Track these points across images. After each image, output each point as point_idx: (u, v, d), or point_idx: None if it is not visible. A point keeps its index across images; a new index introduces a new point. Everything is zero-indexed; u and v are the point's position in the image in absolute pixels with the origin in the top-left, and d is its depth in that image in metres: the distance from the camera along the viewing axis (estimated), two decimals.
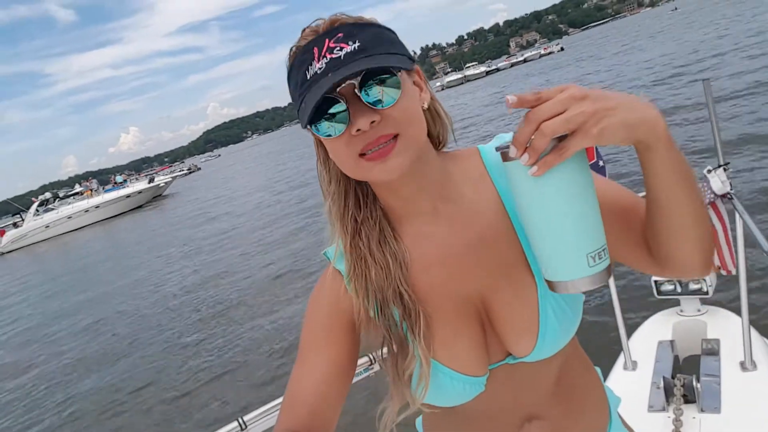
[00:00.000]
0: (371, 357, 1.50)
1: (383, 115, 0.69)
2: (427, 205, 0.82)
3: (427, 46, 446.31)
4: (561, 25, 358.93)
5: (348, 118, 0.69)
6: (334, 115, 0.69)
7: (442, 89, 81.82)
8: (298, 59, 0.72)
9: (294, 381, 0.81)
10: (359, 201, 0.83)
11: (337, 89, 0.69)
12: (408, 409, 0.82)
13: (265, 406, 1.45)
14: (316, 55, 0.69)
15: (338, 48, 0.69)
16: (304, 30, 0.74)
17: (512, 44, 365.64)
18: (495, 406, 0.87)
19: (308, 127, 0.72)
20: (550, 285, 0.66)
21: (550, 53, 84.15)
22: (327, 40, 0.70)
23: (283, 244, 10.89)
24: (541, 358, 0.83)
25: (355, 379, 1.33)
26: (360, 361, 1.43)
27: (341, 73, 0.67)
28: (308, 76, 0.70)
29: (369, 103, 0.68)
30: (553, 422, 0.89)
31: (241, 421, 1.41)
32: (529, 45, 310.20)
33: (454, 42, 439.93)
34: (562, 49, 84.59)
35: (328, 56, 0.69)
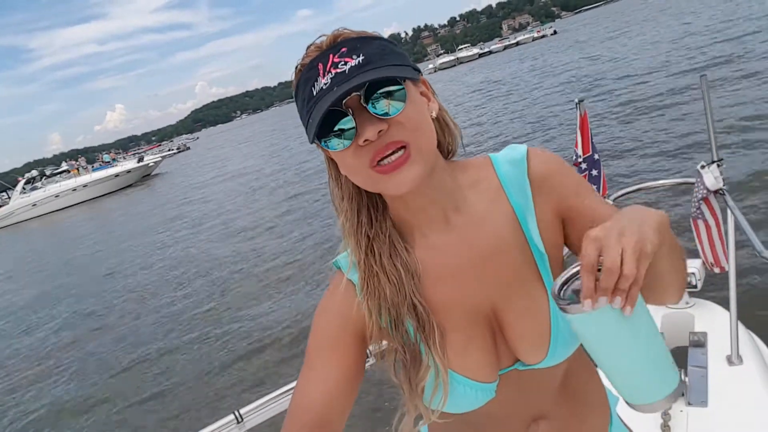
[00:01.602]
0: (368, 351, 1.54)
1: (390, 123, 0.70)
2: (438, 216, 0.82)
3: (418, 27, 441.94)
4: (554, 8, 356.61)
5: (355, 130, 0.70)
6: (341, 128, 0.70)
7: (435, 71, 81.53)
8: (304, 76, 0.73)
9: (301, 387, 0.81)
10: (371, 216, 0.83)
11: (343, 102, 0.69)
12: (422, 419, 0.82)
13: (261, 399, 1.45)
14: (321, 71, 0.70)
15: (343, 62, 0.70)
16: (308, 47, 0.75)
17: (504, 27, 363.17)
18: (503, 409, 0.88)
19: (316, 142, 0.73)
20: (637, 408, 0.66)
21: (543, 36, 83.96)
22: (331, 56, 0.71)
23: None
24: (550, 365, 0.84)
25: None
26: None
27: (343, 87, 0.68)
28: (314, 92, 0.71)
29: (375, 113, 0.69)
30: (560, 422, 0.91)
31: (237, 414, 1.42)
32: (522, 28, 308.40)
33: (446, 23, 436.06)
34: (555, 32, 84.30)
35: (333, 71, 0.70)
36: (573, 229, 0.83)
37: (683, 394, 0.64)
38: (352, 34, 0.74)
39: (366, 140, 0.69)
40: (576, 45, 36.11)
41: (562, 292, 0.64)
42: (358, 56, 0.70)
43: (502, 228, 0.82)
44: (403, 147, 0.71)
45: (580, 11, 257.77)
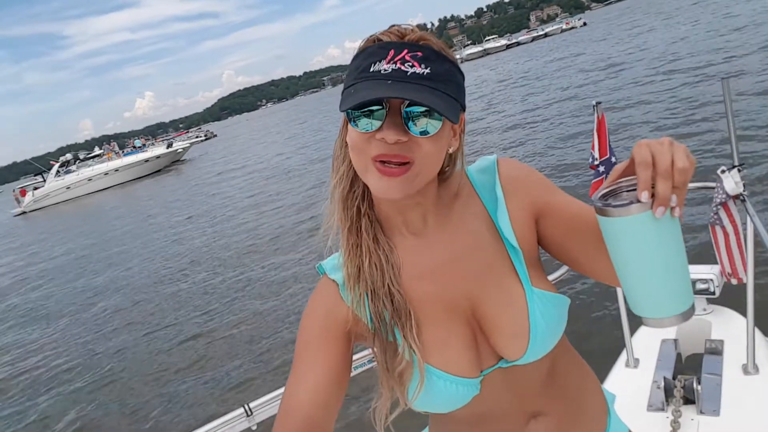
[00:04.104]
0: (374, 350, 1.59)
1: (411, 139, 0.73)
2: (418, 217, 0.85)
3: (444, 17, 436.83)
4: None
5: (382, 123, 0.72)
6: (372, 113, 0.73)
7: (462, 62, 79.86)
8: (372, 49, 0.75)
9: (289, 389, 0.82)
10: (365, 193, 0.85)
11: (384, 99, 0.72)
12: (399, 405, 0.84)
13: (271, 393, 1.46)
14: (389, 57, 0.72)
15: (410, 64, 0.72)
16: (392, 26, 0.77)
17: (532, 18, 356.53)
18: (497, 408, 0.89)
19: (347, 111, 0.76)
20: (653, 322, 0.67)
21: (572, 28, 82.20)
22: (406, 50, 0.73)
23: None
24: (532, 359, 0.85)
25: (359, 371, 1.40)
26: (363, 354, 1.47)
27: (402, 93, 0.70)
28: (371, 69, 0.73)
29: (405, 124, 0.72)
30: (557, 417, 0.92)
31: (247, 407, 1.42)
32: (550, 19, 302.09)
33: (473, 14, 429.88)
34: (584, 24, 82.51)
35: (399, 65, 0.72)
36: (549, 224, 0.86)
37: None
38: (434, 44, 0.76)
39: (383, 138, 0.72)
40: (608, 38, 35.33)
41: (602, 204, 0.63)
42: (426, 68, 0.72)
43: (477, 228, 0.86)
44: (407, 163, 0.74)
45: (610, 2, 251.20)
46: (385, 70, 0.72)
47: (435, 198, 0.86)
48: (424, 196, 0.83)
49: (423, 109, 0.72)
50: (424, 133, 0.73)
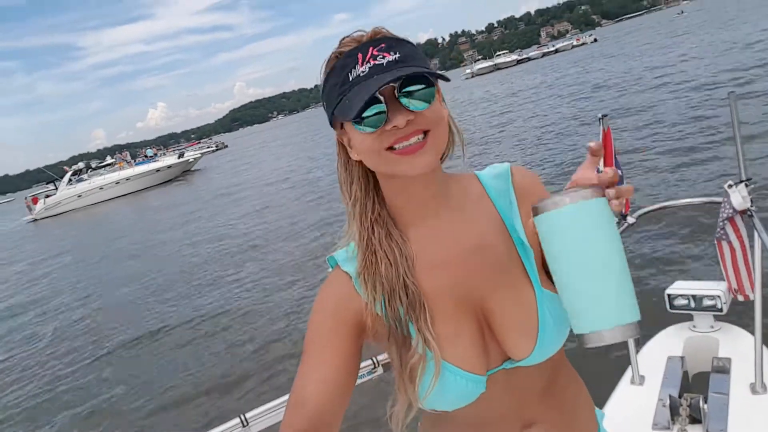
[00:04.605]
0: (374, 361, 1.50)
1: (417, 114, 0.77)
2: (432, 210, 0.87)
3: (456, 33, 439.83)
4: (594, 16, 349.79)
5: (386, 116, 0.76)
6: (374, 112, 0.75)
7: (472, 76, 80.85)
8: (341, 63, 0.78)
9: (299, 380, 0.82)
10: (375, 202, 0.88)
11: (378, 90, 0.74)
12: (414, 409, 0.85)
13: (268, 404, 1.44)
14: (360, 60, 0.76)
15: (381, 56, 0.76)
16: (344, 39, 0.81)
17: (543, 34, 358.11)
18: (494, 413, 0.90)
19: (339, 123, 0.81)
20: (587, 338, 0.65)
21: (582, 44, 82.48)
22: (371, 48, 0.77)
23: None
24: (538, 360, 0.86)
25: (358, 381, 1.34)
26: (363, 364, 1.42)
27: (386, 77, 0.74)
28: (350, 78, 0.76)
29: (405, 105, 0.76)
30: (550, 427, 0.93)
31: (243, 418, 1.40)
32: (561, 35, 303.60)
33: (484, 30, 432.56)
34: (595, 40, 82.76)
35: (372, 62, 0.76)
36: None
37: (637, 339, 0.64)
38: (389, 34, 0.80)
39: (394, 126, 0.76)
40: (620, 54, 35.40)
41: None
42: (395, 53, 0.77)
43: (488, 227, 0.89)
44: (425, 133, 0.78)
45: (620, 20, 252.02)
46: (363, 72, 0.76)
47: (445, 189, 0.89)
48: (438, 183, 0.87)
49: (418, 87, 0.76)
50: (425, 103, 0.77)
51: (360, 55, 0.76)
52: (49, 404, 6.25)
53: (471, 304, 0.87)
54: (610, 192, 0.68)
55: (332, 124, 0.86)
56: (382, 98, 0.75)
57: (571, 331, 0.89)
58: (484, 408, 0.88)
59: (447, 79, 0.80)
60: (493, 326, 0.87)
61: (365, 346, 0.89)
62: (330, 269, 0.92)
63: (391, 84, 0.75)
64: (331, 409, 0.79)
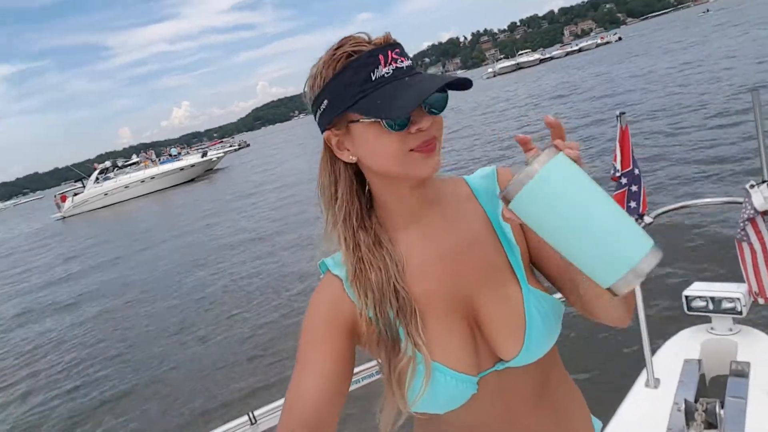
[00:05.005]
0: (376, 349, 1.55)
1: (434, 120, 0.80)
2: (423, 212, 0.89)
3: (477, 31, 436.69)
4: (619, 15, 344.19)
5: (410, 117, 0.77)
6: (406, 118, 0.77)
7: (494, 75, 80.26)
8: (360, 62, 0.78)
9: (294, 383, 0.83)
10: (362, 207, 0.89)
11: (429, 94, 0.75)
12: (404, 415, 0.85)
13: (276, 402, 1.44)
14: (383, 62, 0.78)
15: (400, 60, 0.79)
16: (349, 38, 0.81)
17: (566, 33, 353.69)
18: (486, 419, 0.90)
19: (367, 123, 0.78)
20: (615, 288, 0.63)
21: (607, 43, 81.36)
22: (389, 51, 0.79)
23: None
24: (527, 360, 0.87)
25: (364, 382, 1.41)
26: (370, 365, 1.44)
27: (435, 82, 0.76)
28: (373, 78, 0.77)
29: (426, 111, 0.78)
30: None
31: (251, 415, 1.41)
32: (585, 34, 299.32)
33: (506, 28, 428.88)
34: (620, 38, 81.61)
35: (394, 65, 0.78)
36: (531, 234, 0.87)
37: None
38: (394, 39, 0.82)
39: (419, 129, 0.78)
40: (642, 55, 34.82)
41: None
42: (407, 60, 0.80)
43: (476, 226, 0.91)
44: (434, 139, 0.81)
45: (646, 18, 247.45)
46: (387, 73, 0.77)
47: (436, 192, 0.90)
48: (429, 187, 0.89)
49: (440, 94, 0.79)
50: (442, 109, 0.80)
51: (382, 57, 0.78)
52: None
53: (461, 305, 0.88)
54: (559, 143, 0.67)
55: (329, 123, 0.83)
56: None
57: (560, 335, 0.89)
58: (476, 413, 0.89)
59: (469, 86, 0.80)
60: (482, 326, 0.88)
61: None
62: (322, 274, 0.93)
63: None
64: (326, 411, 0.80)
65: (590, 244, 0.62)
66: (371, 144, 0.80)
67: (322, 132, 0.85)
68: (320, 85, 0.81)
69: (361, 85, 0.77)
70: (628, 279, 0.61)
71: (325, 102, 0.81)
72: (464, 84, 0.79)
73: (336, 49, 0.80)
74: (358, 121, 0.79)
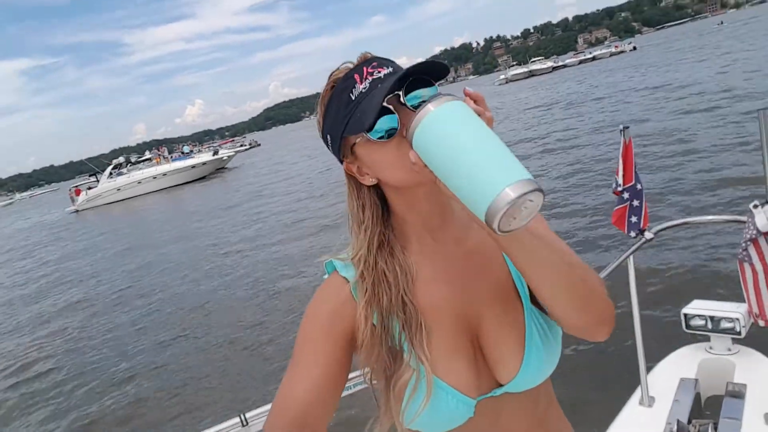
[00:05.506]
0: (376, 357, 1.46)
1: None
2: (436, 223, 0.87)
3: (490, 37, 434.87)
4: (634, 23, 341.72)
5: (398, 124, 0.75)
6: (388, 124, 0.75)
7: (506, 82, 79.97)
8: (339, 87, 0.78)
9: (286, 383, 0.81)
10: (384, 228, 0.87)
11: (384, 101, 0.74)
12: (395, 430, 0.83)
13: (269, 405, 1.40)
14: (359, 80, 0.77)
15: (377, 72, 0.77)
16: (332, 73, 0.81)
17: (580, 41, 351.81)
18: None
19: (362, 142, 0.78)
20: (489, 216, 0.62)
21: (621, 52, 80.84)
22: (365, 68, 0.78)
23: None
24: (525, 386, 0.86)
25: (357, 388, 1.36)
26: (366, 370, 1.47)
27: (395, 76, 0.74)
28: (353, 98, 0.76)
29: (413, 109, 0.74)
30: None
31: (242, 417, 1.39)
32: (598, 42, 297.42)
33: (519, 35, 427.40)
34: (634, 48, 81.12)
35: (370, 78, 0.76)
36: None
37: (541, 191, 0.61)
38: (376, 56, 0.81)
39: None
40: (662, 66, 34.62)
41: None
42: (388, 67, 0.78)
43: (484, 245, 0.88)
44: None
45: (663, 27, 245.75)
46: (364, 88, 0.76)
47: (447, 204, 0.87)
48: (442, 197, 0.84)
49: (422, 89, 0.76)
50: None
51: (357, 76, 0.77)
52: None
53: (465, 320, 0.86)
54: (466, 93, 0.72)
55: (341, 154, 0.83)
56: (391, 107, 0.75)
57: (560, 361, 0.88)
58: None
59: (447, 71, 0.78)
60: (482, 342, 0.86)
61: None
62: (326, 274, 0.91)
63: (396, 93, 0.75)
64: (314, 415, 0.79)
65: (468, 173, 0.64)
66: (375, 159, 0.80)
67: (342, 164, 0.86)
68: (321, 122, 0.84)
69: (345, 108, 0.78)
70: (498, 205, 0.61)
71: (329, 137, 0.83)
72: (437, 69, 0.76)
73: (325, 86, 0.82)
74: (355, 143, 0.80)
